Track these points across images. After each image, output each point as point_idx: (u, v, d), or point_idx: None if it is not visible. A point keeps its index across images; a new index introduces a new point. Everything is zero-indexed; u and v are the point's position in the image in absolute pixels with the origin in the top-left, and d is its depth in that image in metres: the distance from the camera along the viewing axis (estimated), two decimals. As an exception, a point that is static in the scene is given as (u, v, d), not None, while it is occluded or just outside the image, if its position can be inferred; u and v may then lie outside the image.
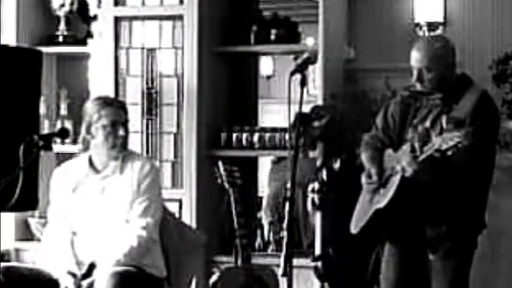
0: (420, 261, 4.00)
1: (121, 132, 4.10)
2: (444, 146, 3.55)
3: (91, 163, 4.16)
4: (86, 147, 4.17)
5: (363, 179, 4.01)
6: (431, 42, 3.95)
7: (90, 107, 4.14)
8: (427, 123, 3.90)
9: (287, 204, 3.41)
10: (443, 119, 3.84)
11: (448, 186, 3.81)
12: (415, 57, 3.88)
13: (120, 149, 4.12)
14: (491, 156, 3.95)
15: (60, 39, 5.51)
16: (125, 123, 4.14)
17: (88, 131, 4.11)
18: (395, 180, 3.81)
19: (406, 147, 3.85)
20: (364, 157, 4.07)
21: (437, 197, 3.84)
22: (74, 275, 3.96)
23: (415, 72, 3.89)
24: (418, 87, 3.92)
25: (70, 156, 4.54)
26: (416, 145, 3.74)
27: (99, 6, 5.35)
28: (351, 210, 4.03)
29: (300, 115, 3.48)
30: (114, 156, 4.12)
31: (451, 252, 3.90)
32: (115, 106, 4.14)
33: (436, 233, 3.90)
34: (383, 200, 3.85)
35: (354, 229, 4.03)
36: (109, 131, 4.08)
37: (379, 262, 4.23)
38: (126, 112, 4.19)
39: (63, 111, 5.45)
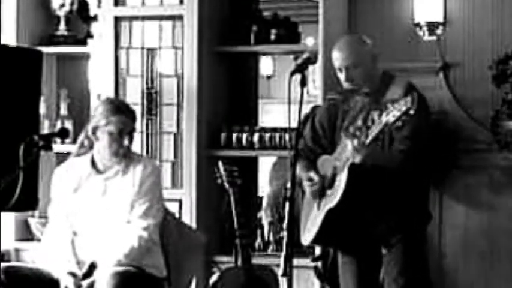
0: (375, 265, 3.96)
1: (126, 142, 4.08)
2: (392, 118, 3.44)
3: (93, 163, 4.15)
4: (90, 147, 4.16)
5: (305, 184, 3.92)
6: (351, 40, 4.01)
7: (100, 109, 4.10)
8: (358, 123, 3.85)
9: (287, 204, 3.41)
10: (375, 115, 3.75)
11: (394, 171, 3.76)
12: (340, 57, 3.89)
13: (122, 157, 4.11)
14: (430, 143, 3.92)
15: (60, 39, 5.52)
16: (130, 132, 4.12)
17: (94, 132, 4.10)
18: (343, 174, 3.72)
19: (342, 144, 3.79)
20: (298, 168, 3.93)
21: (386, 184, 3.78)
22: (74, 275, 3.96)
23: (343, 72, 3.88)
24: (348, 86, 3.91)
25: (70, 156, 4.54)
26: (358, 132, 3.64)
27: (99, 6, 5.35)
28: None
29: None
30: (115, 162, 4.12)
31: (400, 243, 3.86)
32: (125, 115, 4.09)
33: (386, 227, 3.84)
34: (333, 199, 3.77)
35: (305, 240, 3.95)
36: (114, 138, 4.06)
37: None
38: (134, 121, 4.14)
39: (63, 111, 5.46)
